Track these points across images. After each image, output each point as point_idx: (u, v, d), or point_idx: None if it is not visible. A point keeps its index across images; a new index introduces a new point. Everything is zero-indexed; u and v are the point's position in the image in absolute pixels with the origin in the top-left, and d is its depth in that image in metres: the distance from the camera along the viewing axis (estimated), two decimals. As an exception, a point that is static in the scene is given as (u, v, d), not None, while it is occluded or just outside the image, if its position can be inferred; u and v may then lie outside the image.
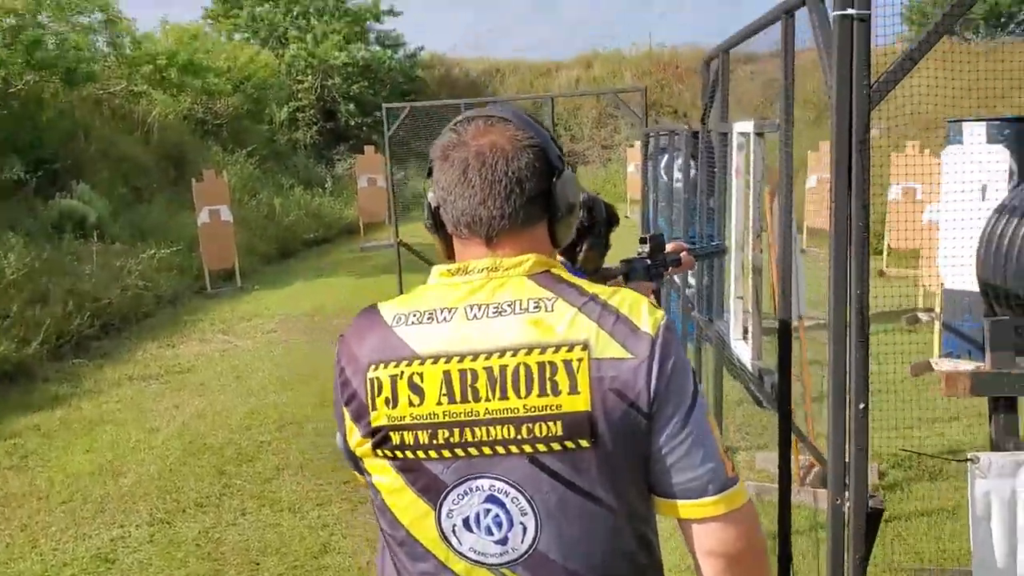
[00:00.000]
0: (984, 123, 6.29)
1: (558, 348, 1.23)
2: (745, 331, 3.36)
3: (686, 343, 6.23)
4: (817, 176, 12.37)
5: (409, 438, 1.26)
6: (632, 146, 19.05)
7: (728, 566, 1.26)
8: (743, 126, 3.34)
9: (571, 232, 1.39)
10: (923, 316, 7.98)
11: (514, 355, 1.24)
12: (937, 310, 6.62)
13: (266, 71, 20.59)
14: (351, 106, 24.30)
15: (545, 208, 1.32)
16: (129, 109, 14.74)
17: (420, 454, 1.26)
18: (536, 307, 1.26)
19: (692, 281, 6.77)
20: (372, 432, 1.28)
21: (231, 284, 11.43)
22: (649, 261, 2.52)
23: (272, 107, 21.74)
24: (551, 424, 1.22)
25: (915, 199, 10.67)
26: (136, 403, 6.57)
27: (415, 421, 1.25)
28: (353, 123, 24.40)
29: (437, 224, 1.38)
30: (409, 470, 1.28)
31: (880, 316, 8.43)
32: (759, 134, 3.02)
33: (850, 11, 1.89)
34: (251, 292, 11.06)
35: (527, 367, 1.23)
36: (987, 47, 23.96)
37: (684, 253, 2.62)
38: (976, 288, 2.93)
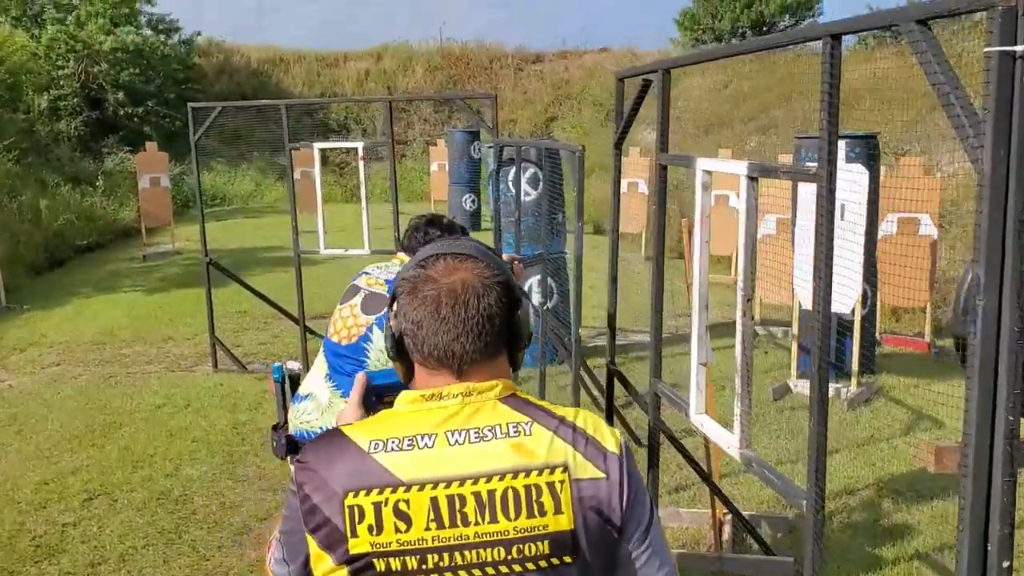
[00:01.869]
0: (842, 141, 6.29)
1: (541, 471, 1.28)
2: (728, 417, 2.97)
3: (544, 364, 5.89)
4: (629, 181, 12.38)
5: (396, 564, 1.26)
6: (435, 144, 18.55)
7: None
8: (724, 165, 2.94)
9: (523, 357, 1.45)
10: (759, 330, 8.05)
11: (501, 479, 1.27)
12: (794, 331, 6.61)
13: (21, 54, 18.39)
14: (120, 95, 22.23)
15: (508, 339, 1.38)
16: None
17: None
18: (516, 431, 1.31)
19: (547, 301, 6.41)
20: (350, 559, 1.27)
21: (-6, 304, 9.93)
22: None
23: (30, 94, 19.47)
24: (539, 544, 1.27)
25: (727, 205, 10.91)
26: None
27: (402, 547, 1.26)
28: (123, 113, 22.35)
29: (399, 351, 1.40)
30: None
31: (714, 327, 8.47)
32: (753, 178, 2.61)
33: (1018, 48, 1.50)
34: (22, 314, 9.61)
35: (515, 490, 1.27)
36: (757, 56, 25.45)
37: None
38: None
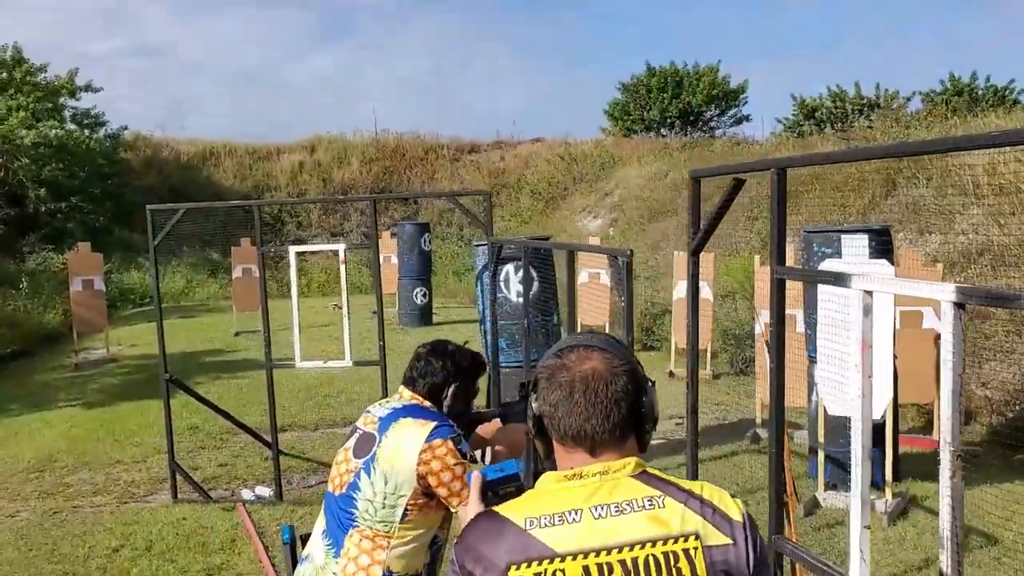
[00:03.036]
0: (865, 235, 5.99)
1: (676, 539, 1.46)
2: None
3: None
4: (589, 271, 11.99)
5: None
6: (393, 235, 17.94)
7: None
8: (911, 287, 2.46)
9: (651, 437, 1.62)
10: (762, 433, 7.61)
11: (642, 548, 1.45)
12: (821, 439, 6.17)
13: (-62, 150, 17.44)
14: (42, 191, 21.26)
15: (636, 420, 1.55)
16: None
17: None
18: (651, 504, 1.49)
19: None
20: None
21: (-90, 426, 8.94)
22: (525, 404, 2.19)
23: (-55, 193, 18.45)
24: None
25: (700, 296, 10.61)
26: None
27: None
28: (45, 209, 21.34)
29: (539, 429, 1.59)
30: None
31: (715, 431, 8.02)
32: (960, 305, 2.09)
33: None
34: (-58, 438, 8.65)
35: (655, 557, 1.45)
36: (684, 142, 25.83)
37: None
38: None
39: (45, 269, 18.91)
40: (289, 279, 6.51)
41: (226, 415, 7.11)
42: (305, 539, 2.88)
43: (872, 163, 14.83)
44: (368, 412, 2.80)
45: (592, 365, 1.54)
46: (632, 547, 1.45)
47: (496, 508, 1.54)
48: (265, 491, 6.68)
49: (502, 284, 6.47)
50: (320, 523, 2.76)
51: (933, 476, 6.62)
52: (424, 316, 16.22)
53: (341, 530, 2.62)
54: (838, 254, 6.12)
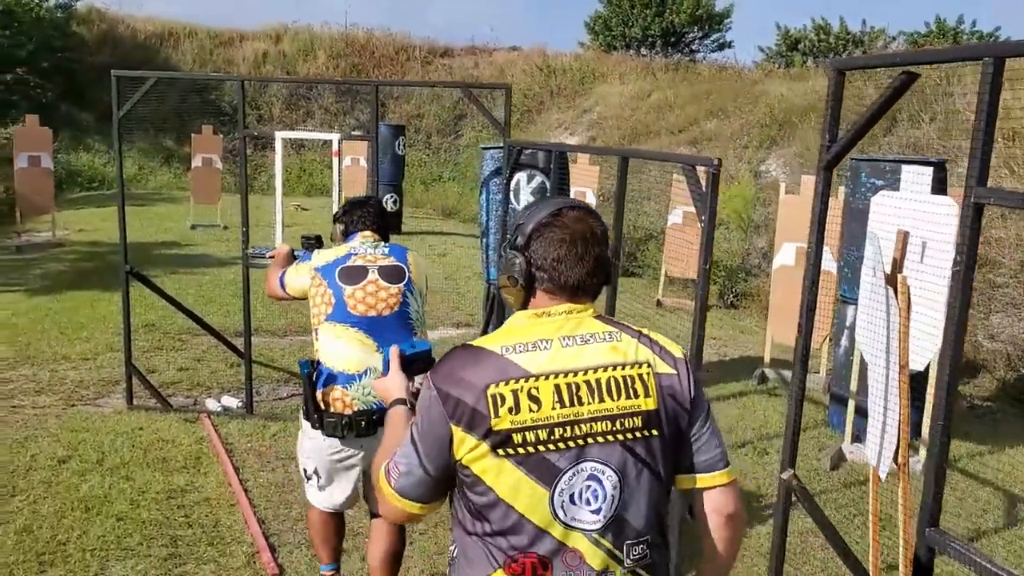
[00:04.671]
0: (930, 168, 5.37)
1: (632, 365, 1.73)
2: None
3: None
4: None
5: (531, 436, 1.66)
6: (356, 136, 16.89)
7: (727, 521, 1.79)
8: None
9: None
10: (770, 373, 7.11)
11: (604, 371, 1.72)
12: (853, 388, 5.65)
13: None
14: (-13, 60, 19.78)
15: (606, 280, 1.83)
16: None
17: (540, 448, 1.66)
18: (610, 338, 1.76)
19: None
20: (492, 435, 1.65)
21: None
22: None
23: None
24: (635, 419, 1.70)
25: (696, 223, 10.01)
26: None
27: (535, 423, 1.66)
28: (-11, 80, 19.90)
29: (529, 282, 1.78)
30: (530, 462, 1.66)
31: (715, 368, 7.49)
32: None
33: None
34: None
35: (615, 378, 1.71)
36: (666, 64, 24.91)
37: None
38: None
39: (-12, 144, 17.65)
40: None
41: (192, 316, 6.38)
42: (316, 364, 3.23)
43: (872, 98, 14.25)
44: (357, 253, 3.34)
45: (587, 225, 1.77)
46: (596, 370, 1.70)
47: (470, 342, 1.77)
48: (232, 401, 6.02)
49: (511, 195, 5.76)
50: (364, 343, 3.20)
51: (963, 435, 6.23)
52: (395, 223, 15.43)
53: (401, 339, 2.75)
54: (890, 186, 5.52)
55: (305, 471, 3.38)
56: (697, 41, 31.31)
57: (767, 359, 7.17)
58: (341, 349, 3.19)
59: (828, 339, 6.94)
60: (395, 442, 1.79)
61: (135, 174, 20.20)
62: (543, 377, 1.67)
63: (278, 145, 5.65)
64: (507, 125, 5.25)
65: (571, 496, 1.67)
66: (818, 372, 7.16)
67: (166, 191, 19.40)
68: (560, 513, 1.66)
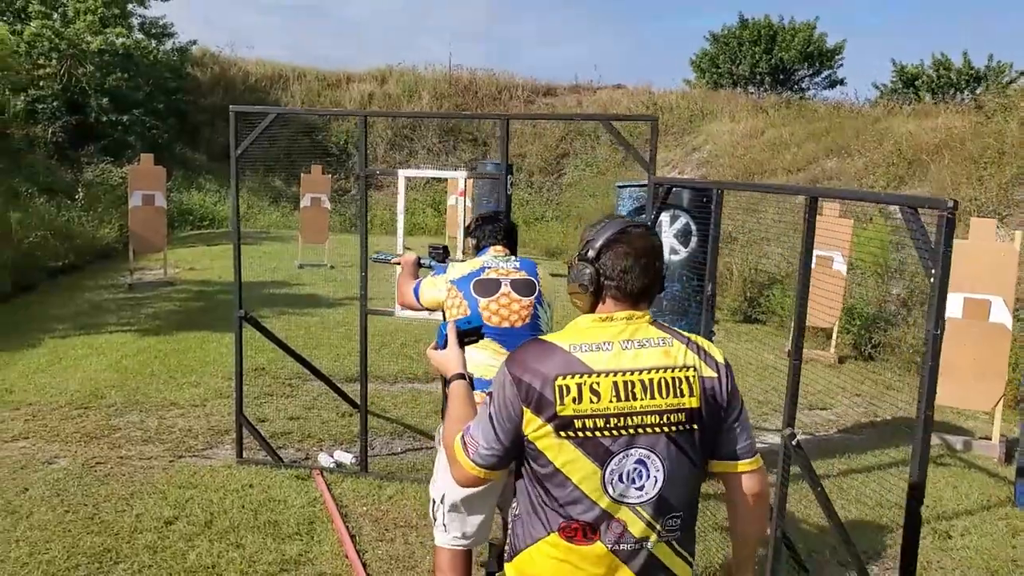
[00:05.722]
0: None
1: (681, 368, 1.99)
2: None
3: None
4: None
5: (590, 423, 1.94)
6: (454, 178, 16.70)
7: (758, 499, 2.08)
8: None
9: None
10: (955, 441, 6.35)
11: (657, 372, 1.98)
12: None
13: (0, 49, 16.51)
14: (104, 100, 20.34)
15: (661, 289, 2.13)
16: None
17: (597, 433, 1.94)
18: (663, 343, 2.02)
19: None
20: (556, 419, 1.93)
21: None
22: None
23: (6, 93, 17.56)
24: (680, 414, 1.98)
25: (830, 267, 9.32)
26: None
27: (594, 412, 1.94)
28: (106, 120, 20.43)
29: (597, 289, 2.05)
30: (587, 444, 1.94)
31: (868, 430, 6.78)
32: None
33: None
34: (-20, 357, 7.71)
35: (666, 380, 1.98)
36: (776, 101, 24.06)
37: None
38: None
39: (103, 181, 18.07)
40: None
41: (306, 363, 6.03)
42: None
43: (1015, 135, 13.28)
44: (490, 267, 3.50)
45: (649, 242, 2.07)
46: (649, 371, 1.98)
47: (542, 337, 2.07)
48: (346, 457, 5.61)
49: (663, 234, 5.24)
50: (496, 354, 3.27)
51: None
52: (499, 264, 15.03)
53: None
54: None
55: (435, 501, 3.36)
56: (808, 78, 30.43)
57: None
58: (476, 356, 3.22)
59: (1002, 400, 6.18)
60: (460, 414, 2.11)
61: (244, 212, 20.42)
62: (604, 375, 1.95)
63: (401, 184, 5.26)
64: (652, 161, 4.73)
65: (620, 475, 1.95)
66: (988, 438, 6.37)
67: (274, 230, 19.51)
68: (609, 489, 1.95)
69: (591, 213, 19.21)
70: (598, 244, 2.04)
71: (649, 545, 1.99)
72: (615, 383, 1.94)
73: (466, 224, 3.90)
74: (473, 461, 2.00)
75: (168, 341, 8.60)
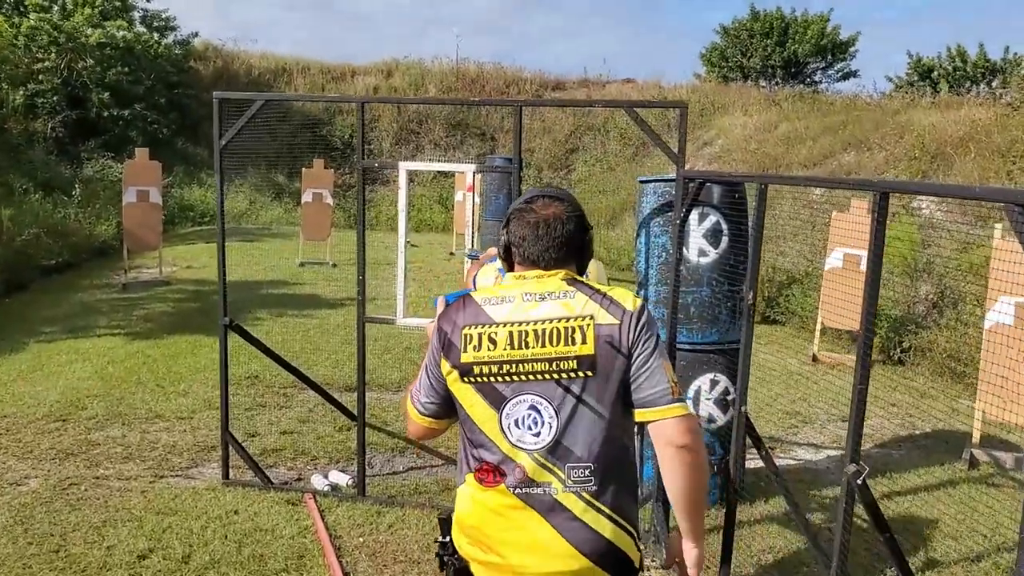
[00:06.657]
0: None
1: (576, 318, 2.06)
2: None
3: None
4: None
5: (486, 370, 2.07)
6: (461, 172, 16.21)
7: (676, 452, 2.01)
8: None
9: (587, 265, 2.27)
10: (980, 455, 5.86)
11: (551, 323, 2.06)
12: None
13: (-3, 41, 16.12)
14: (105, 95, 19.93)
15: (578, 253, 2.21)
16: None
17: (492, 379, 2.07)
18: (565, 296, 2.10)
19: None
20: (460, 365, 2.09)
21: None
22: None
23: (4, 88, 17.14)
24: (570, 361, 2.04)
25: (858, 267, 8.80)
26: None
27: (490, 360, 2.07)
28: (107, 115, 20.02)
29: (507, 254, 2.21)
30: (484, 389, 2.08)
31: (907, 444, 6.29)
32: None
33: None
34: (-42, 363, 7.25)
35: (557, 329, 2.05)
36: (790, 94, 23.50)
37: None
38: None
39: (103, 177, 17.64)
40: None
41: (298, 373, 5.57)
42: None
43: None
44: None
45: (552, 211, 2.16)
46: (544, 321, 2.07)
47: (470, 293, 2.21)
48: (342, 478, 5.13)
49: (691, 236, 4.73)
50: None
51: None
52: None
53: None
54: None
55: None
56: (820, 71, 29.84)
57: (976, 438, 5.92)
58: None
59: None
60: None
61: (246, 209, 19.98)
62: (502, 325, 2.09)
63: (402, 178, 4.79)
64: (682, 152, 4.24)
65: (515, 420, 2.07)
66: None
67: (276, 226, 19.06)
68: (508, 434, 2.07)
69: (601, 210, 18.71)
70: (509, 213, 2.21)
71: (553, 492, 2.04)
72: (510, 332, 2.07)
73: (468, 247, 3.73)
74: (418, 411, 2.20)
75: (158, 345, 8.14)
